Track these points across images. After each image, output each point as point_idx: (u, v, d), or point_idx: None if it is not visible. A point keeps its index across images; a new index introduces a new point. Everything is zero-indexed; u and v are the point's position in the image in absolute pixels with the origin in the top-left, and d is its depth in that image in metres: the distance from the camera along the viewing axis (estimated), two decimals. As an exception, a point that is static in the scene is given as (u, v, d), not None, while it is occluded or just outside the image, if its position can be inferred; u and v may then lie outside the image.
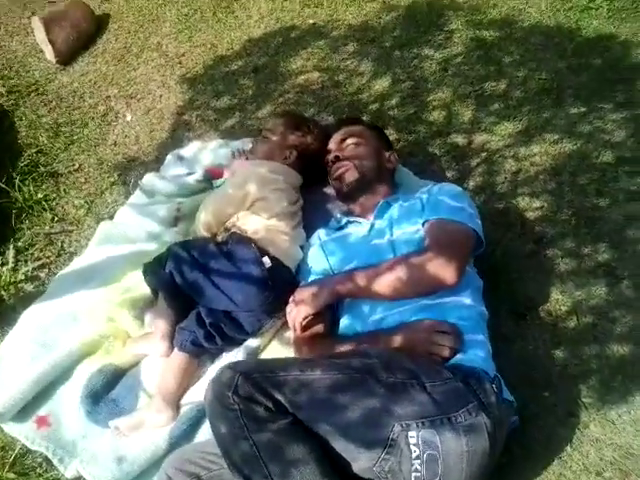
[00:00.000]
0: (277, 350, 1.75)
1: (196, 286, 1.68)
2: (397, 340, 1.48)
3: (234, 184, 1.85)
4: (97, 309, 1.82)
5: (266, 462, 1.22)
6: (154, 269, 1.75)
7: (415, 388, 1.31)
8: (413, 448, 1.25)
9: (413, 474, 1.25)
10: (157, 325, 1.74)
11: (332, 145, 1.94)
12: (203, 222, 1.84)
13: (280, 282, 1.69)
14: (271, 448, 1.23)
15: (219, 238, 1.83)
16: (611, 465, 1.54)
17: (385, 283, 1.54)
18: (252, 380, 1.27)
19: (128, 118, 2.48)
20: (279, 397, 1.27)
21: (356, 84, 2.49)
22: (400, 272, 1.53)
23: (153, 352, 1.74)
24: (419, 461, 1.25)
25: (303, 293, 1.64)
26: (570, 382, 1.68)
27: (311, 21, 2.76)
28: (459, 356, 1.44)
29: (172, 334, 1.72)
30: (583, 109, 2.27)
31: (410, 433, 1.25)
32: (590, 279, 1.86)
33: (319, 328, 1.68)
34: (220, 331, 1.68)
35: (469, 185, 2.13)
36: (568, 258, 1.92)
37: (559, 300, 1.83)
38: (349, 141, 1.90)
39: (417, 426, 1.26)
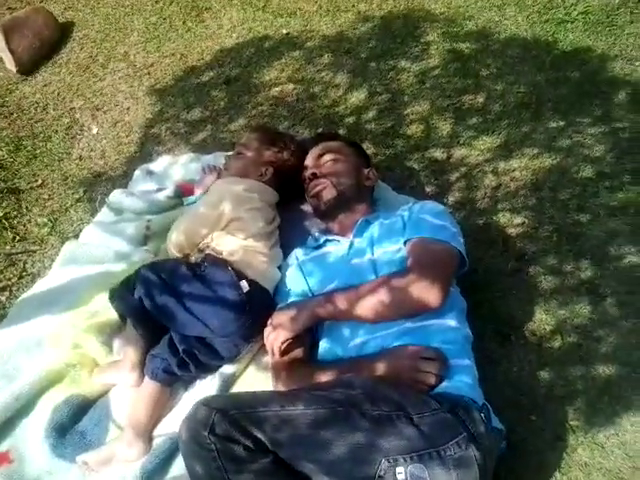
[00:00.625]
0: (254, 376, 1.66)
1: (167, 311, 1.58)
2: (380, 368, 1.41)
3: (208, 203, 1.76)
4: (62, 335, 1.71)
5: (246, 505, 1.14)
6: (122, 294, 1.65)
7: (401, 420, 1.24)
8: (401, 485, 1.18)
9: (402, 511, 1.19)
10: (126, 353, 1.64)
11: (309, 161, 1.87)
12: (175, 243, 1.75)
13: (258, 305, 1.60)
14: (251, 490, 1.15)
15: (192, 259, 1.73)
16: (601, 491, 1.50)
17: (366, 306, 1.48)
18: (230, 418, 1.18)
19: (94, 131, 2.37)
20: (259, 435, 1.18)
21: (332, 96, 2.44)
22: (382, 294, 1.47)
23: (122, 382, 1.64)
24: (408, 498, 1.18)
25: (281, 316, 1.57)
26: (557, 404, 1.64)
27: (284, 31, 2.71)
28: (445, 383, 1.38)
29: (142, 362, 1.62)
30: (562, 123, 2.25)
31: (398, 469, 1.18)
32: (573, 297, 1.83)
33: (298, 352, 1.61)
34: (194, 358, 1.59)
35: (449, 200, 2.09)
36: (551, 276, 1.88)
37: (543, 319, 1.79)
38: (327, 157, 1.84)
39: (405, 461, 1.19)
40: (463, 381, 1.41)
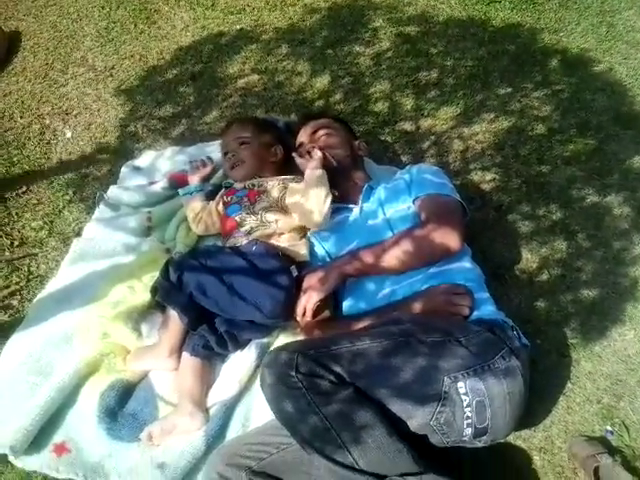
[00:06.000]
0: (285, 342, 1.74)
1: (219, 301, 1.63)
2: (417, 306, 1.55)
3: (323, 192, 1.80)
4: (90, 327, 1.74)
5: (338, 432, 1.25)
6: (168, 290, 1.65)
7: (453, 343, 1.39)
8: (463, 397, 1.33)
9: (465, 421, 1.34)
10: (163, 339, 1.68)
11: (304, 138, 1.98)
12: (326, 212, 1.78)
13: (299, 286, 1.69)
14: (341, 418, 1.26)
15: (238, 244, 1.78)
16: (606, 392, 1.73)
17: (394, 257, 1.62)
18: (311, 357, 1.29)
19: (68, 135, 2.36)
20: (338, 369, 1.30)
21: (297, 83, 2.56)
22: (407, 245, 1.62)
23: (160, 368, 1.69)
24: (470, 408, 1.33)
25: (311, 279, 1.67)
26: (556, 327, 1.86)
27: (238, 27, 2.80)
28: (475, 312, 1.55)
29: (180, 347, 1.67)
30: (509, 90, 2.50)
31: (459, 384, 1.33)
32: (550, 236, 2.06)
33: (327, 313, 1.72)
34: (233, 338, 1.66)
35: (424, 166, 2.27)
36: (527, 221, 2.11)
37: (529, 259, 2.01)
38: (321, 132, 1.96)
39: (463, 377, 1.34)
40: (489, 309, 1.59)
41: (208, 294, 1.64)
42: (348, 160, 1.95)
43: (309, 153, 1.92)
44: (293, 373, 1.26)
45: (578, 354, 1.80)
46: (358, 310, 1.70)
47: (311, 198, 1.78)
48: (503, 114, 2.41)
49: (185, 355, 1.65)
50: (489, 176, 2.23)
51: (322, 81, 2.56)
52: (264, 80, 2.57)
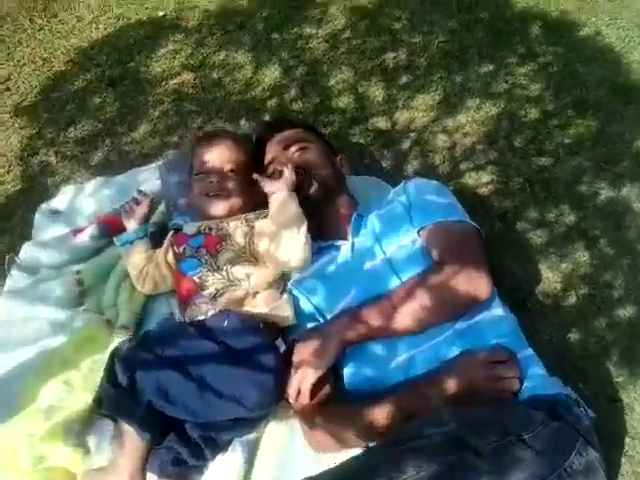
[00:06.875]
0: (277, 433, 1.36)
1: (188, 403, 1.24)
2: (451, 387, 1.19)
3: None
4: (16, 452, 1.31)
5: None
6: (120, 402, 1.25)
7: (516, 446, 1.04)
8: (543, 524, 0.99)
9: None
10: (121, 463, 1.27)
11: (273, 155, 1.57)
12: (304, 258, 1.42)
13: (288, 359, 1.32)
14: None
15: (202, 316, 1.38)
16: (673, 444, 1.44)
17: (408, 315, 1.27)
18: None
19: (-42, 176, 1.86)
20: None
21: (242, 79, 2.13)
22: (423, 298, 1.27)
23: None
24: (551, 535, 1.00)
25: (304, 352, 1.30)
26: (596, 363, 1.55)
27: (160, 13, 2.33)
28: (526, 384, 1.21)
29: (143, 467, 1.27)
30: (491, 67, 2.14)
31: (535, 507, 1.00)
32: (568, 246, 1.74)
33: (327, 388, 1.34)
34: (210, 442, 1.28)
35: (408, 171, 1.91)
36: (539, 229, 1.78)
37: (550, 278, 1.69)
38: (294, 148, 1.55)
39: (539, 495, 1.00)
40: (538, 374, 1.26)
41: (172, 397, 1.24)
42: (333, 180, 1.56)
43: (281, 174, 1.49)
44: None
45: (629, 395, 1.49)
46: (364, 380, 1.33)
47: (283, 242, 1.39)
48: (489, 98, 2.06)
49: (151, 477, 1.25)
50: (485, 177, 1.88)
51: (271, 74, 2.13)
52: (200, 79, 2.13)
